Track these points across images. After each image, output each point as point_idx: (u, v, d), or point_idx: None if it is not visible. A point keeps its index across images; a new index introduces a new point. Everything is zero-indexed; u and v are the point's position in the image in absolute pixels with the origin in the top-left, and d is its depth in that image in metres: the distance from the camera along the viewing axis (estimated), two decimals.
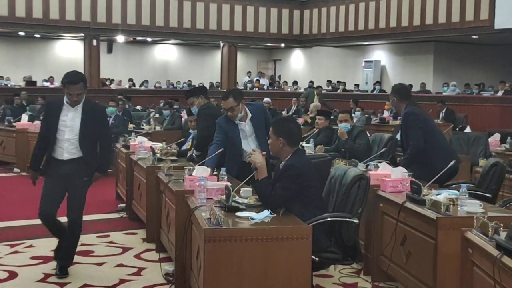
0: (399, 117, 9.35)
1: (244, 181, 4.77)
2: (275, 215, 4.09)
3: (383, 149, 7.35)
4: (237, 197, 4.52)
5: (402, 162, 5.92)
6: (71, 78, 5.15)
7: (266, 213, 4.08)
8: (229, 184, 4.67)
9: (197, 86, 6.73)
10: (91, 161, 5.37)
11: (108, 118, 11.11)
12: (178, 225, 4.96)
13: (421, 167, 5.72)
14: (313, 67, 25.55)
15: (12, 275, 5.37)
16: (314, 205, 4.33)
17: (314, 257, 4.05)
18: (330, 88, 22.97)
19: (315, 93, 17.41)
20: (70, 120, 5.24)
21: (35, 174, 5.53)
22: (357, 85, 22.29)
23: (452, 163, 5.36)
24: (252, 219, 4.00)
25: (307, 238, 3.84)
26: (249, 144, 5.80)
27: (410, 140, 5.97)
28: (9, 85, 20.64)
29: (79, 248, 5.77)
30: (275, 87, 24.87)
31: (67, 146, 5.27)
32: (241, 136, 5.84)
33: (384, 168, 5.66)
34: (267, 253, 3.81)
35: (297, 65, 26.97)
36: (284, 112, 16.43)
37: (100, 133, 5.44)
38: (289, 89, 23.70)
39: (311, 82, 17.75)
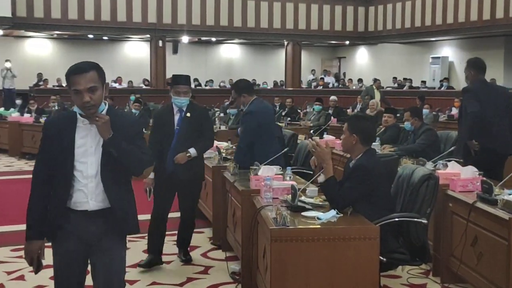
0: None
1: (311, 181, 4.75)
2: (342, 215, 4.06)
3: (452, 148, 7.18)
4: (303, 197, 4.50)
5: (461, 134, 5.88)
6: (78, 65, 3.16)
7: (332, 213, 4.04)
8: (295, 183, 4.65)
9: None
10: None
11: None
12: (244, 225, 4.99)
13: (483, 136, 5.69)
14: (378, 64, 25.23)
15: None
16: (382, 205, 4.27)
17: (381, 258, 4.00)
18: (396, 85, 22.65)
19: (374, 87, 17.07)
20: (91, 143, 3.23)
21: (37, 244, 3.27)
22: (423, 82, 21.90)
23: None
24: (319, 219, 3.98)
25: (375, 238, 3.79)
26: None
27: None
28: None
29: (146, 247, 5.86)
30: (340, 85, 24.69)
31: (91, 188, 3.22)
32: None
33: (453, 167, 5.53)
34: (334, 254, 3.78)
35: (362, 63, 26.68)
36: (349, 110, 16.28)
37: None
38: (354, 87, 23.49)
39: (375, 79, 17.43)
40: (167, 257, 5.96)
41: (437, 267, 5.34)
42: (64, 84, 21.06)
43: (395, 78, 23.04)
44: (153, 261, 5.64)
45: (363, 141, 4.35)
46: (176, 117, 5.65)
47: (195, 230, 6.94)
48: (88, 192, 3.18)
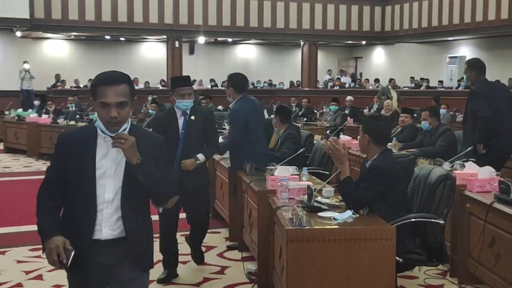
0: None
1: (327, 181, 4.75)
2: (358, 215, 4.04)
3: (469, 148, 7.13)
4: (319, 197, 4.50)
5: (468, 137, 5.96)
6: (109, 75, 2.85)
7: (348, 213, 4.03)
8: (311, 184, 4.65)
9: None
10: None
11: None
12: (261, 225, 4.99)
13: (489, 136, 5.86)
14: (395, 64, 25.12)
15: None
16: (398, 205, 4.25)
17: (398, 258, 3.99)
18: (413, 85, 22.54)
19: (390, 87, 16.96)
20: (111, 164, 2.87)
21: (57, 239, 2.82)
22: (441, 81, 21.78)
23: None
24: (335, 219, 3.97)
25: (391, 239, 3.78)
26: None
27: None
28: None
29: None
30: (356, 85, 24.62)
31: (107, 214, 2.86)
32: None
33: (470, 167, 5.49)
34: (350, 254, 3.77)
35: (379, 63, 26.58)
36: (365, 110, 16.23)
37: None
38: (370, 87, 23.41)
39: (390, 79, 17.33)
40: (183, 257, 5.95)
41: (454, 268, 5.31)
42: (81, 85, 21.30)
43: (412, 78, 22.92)
44: (170, 276, 5.39)
45: (376, 141, 4.34)
46: (181, 121, 5.30)
47: (211, 230, 6.97)
48: (102, 219, 2.83)
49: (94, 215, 2.82)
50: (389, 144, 7.72)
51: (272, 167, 5.44)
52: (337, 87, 23.40)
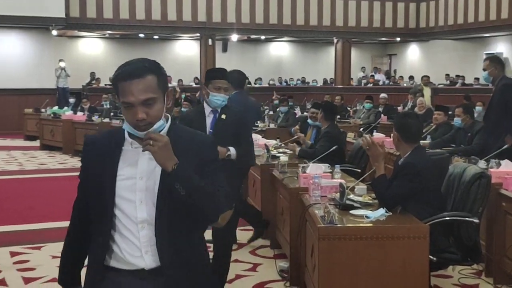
0: None
1: (361, 179, 4.72)
2: (391, 213, 4.00)
3: (506, 146, 7.02)
4: (351, 195, 4.47)
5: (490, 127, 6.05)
6: (129, 66, 2.27)
7: (381, 211, 4.00)
8: (344, 181, 4.62)
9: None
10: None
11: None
12: (293, 223, 4.98)
13: None
14: (430, 61, 24.84)
15: None
16: (432, 204, 4.21)
17: (432, 257, 3.94)
18: (448, 82, 22.26)
19: (422, 84, 16.71)
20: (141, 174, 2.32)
21: None
22: (477, 79, 21.46)
23: None
24: (367, 217, 3.94)
25: (425, 237, 3.73)
26: None
27: None
28: None
29: None
30: (391, 83, 24.41)
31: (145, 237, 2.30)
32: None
33: (506, 165, 5.40)
34: (383, 252, 3.74)
35: (413, 60, 26.32)
36: (400, 108, 16.07)
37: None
38: (405, 84, 23.18)
39: (425, 76, 17.12)
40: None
41: (490, 268, 5.23)
42: None
43: (447, 75, 22.65)
44: None
45: (406, 139, 4.30)
46: (209, 120, 4.70)
47: (244, 227, 6.98)
48: (140, 244, 2.25)
49: (125, 237, 2.27)
50: (423, 142, 7.69)
51: (304, 165, 5.43)
52: (371, 85, 23.23)
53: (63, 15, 18.12)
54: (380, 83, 24.10)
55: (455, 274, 5.24)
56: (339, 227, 3.77)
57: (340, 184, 4.39)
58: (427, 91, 16.11)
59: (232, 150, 4.63)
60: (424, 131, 8.48)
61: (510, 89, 6.43)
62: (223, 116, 4.72)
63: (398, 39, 24.58)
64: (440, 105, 9.48)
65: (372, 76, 24.38)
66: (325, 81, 25.12)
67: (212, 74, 4.83)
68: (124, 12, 19.51)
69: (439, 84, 21.49)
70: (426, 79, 16.81)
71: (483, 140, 7.17)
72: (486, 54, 21.88)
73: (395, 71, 27.28)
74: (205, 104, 4.75)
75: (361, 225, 3.84)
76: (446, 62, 23.72)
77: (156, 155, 2.18)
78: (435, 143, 7.69)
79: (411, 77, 23.59)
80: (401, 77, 24.72)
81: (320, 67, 25.95)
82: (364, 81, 24.56)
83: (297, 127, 7.72)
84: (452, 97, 17.63)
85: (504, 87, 6.43)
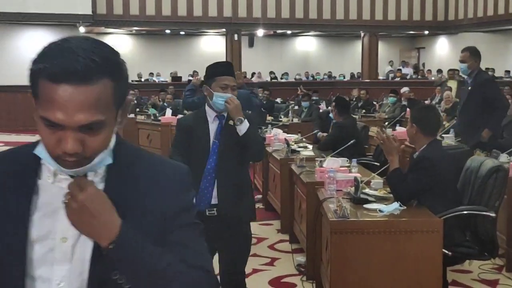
0: None
1: (376, 173, 4.68)
2: (405, 207, 3.96)
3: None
4: (367, 189, 4.43)
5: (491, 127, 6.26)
6: (65, 61, 1.27)
7: (395, 205, 3.95)
8: (359, 175, 4.58)
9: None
10: None
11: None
12: (309, 217, 4.96)
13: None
14: (459, 55, 24.39)
15: None
16: (448, 198, 4.15)
17: (447, 252, 3.89)
18: None
19: (447, 77, 16.47)
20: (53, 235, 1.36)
21: None
22: (507, 71, 21.13)
23: None
24: (381, 211, 3.90)
25: (438, 231, 3.69)
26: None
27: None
28: (157, 81, 21.69)
29: None
30: (419, 76, 24.16)
31: None
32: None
33: None
34: (395, 246, 3.70)
35: (442, 53, 25.99)
36: (426, 102, 15.90)
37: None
38: (432, 78, 22.91)
39: (451, 70, 16.86)
40: None
41: (511, 263, 5.15)
42: (143, 79, 21.66)
43: None
44: None
45: (423, 132, 4.24)
46: (213, 127, 3.73)
47: (263, 222, 6.99)
48: None
49: None
50: (447, 136, 7.59)
51: (322, 159, 5.40)
52: (398, 79, 23.01)
53: (90, 12, 18.30)
54: (408, 77, 23.87)
55: (475, 269, 5.18)
56: (351, 221, 3.74)
57: (355, 178, 4.36)
58: (453, 85, 15.87)
59: (245, 124, 3.64)
60: (447, 125, 8.41)
61: (491, 85, 6.47)
62: (231, 122, 3.69)
63: (426, 32, 24.28)
64: None
65: (399, 70, 24.16)
66: (352, 75, 24.96)
67: (216, 70, 3.76)
68: (150, 8, 19.62)
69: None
70: (451, 73, 16.60)
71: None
72: None
73: (423, 64, 26.99)
74: (207, 108, 3.75)
75: (373, 219, 3.81)
76: None
77: (78, 222, 1.30)
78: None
79: (439, 71, 23.30)
80: (429, 70, 24.44)
81: (347, 61, 25.79)
82: (391, 75, 24.34)
83: (323, 134, 7.81)
84: None
85: (485, 82, 6.42)
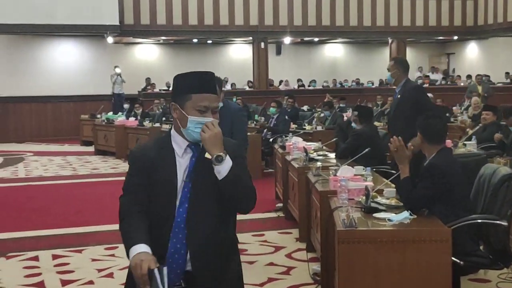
0: None
1: (389, 179, 4.65)
2: (415, 216, 3.92)
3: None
4: (379, 198, 4.41)
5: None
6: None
7: (405, 214, 3.92)
8: (371, 184, 4.56)
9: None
10: None
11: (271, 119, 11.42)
12: (322, 226, 4.95)
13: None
14: (489, 60, 24.19)
15: None
16: (458, 206, 4.10)
17: (458, 261, 3.85)
18: (508, 80, 21.65)
19: (476, 83, 16.28)
20: None
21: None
22: None
23: None
24: (390, 220, 3.88)
25: (446, 241, 3.64)
26: None
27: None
28: None
29: None
30: (448, 82, 23.91)
31: None
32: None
33: None
34: (403, 256, 3.67)
35: (472, 58, 25.68)
36: (455, 108, 15.74)
37: None
38: (462, 84, 22.66)
39: (479, 75, 16.67)
40: (250, 257, 6.01)
41: None
42: (171, 88, 21.79)
43: (507, 73, 22.01)
44: None
45: (428, 140, 4.21)
46: (183, 162, 2.70)
47: (283, 231, 6.99)
48: None
49: None
50: (469, 142, 7.51)
51: (336, 167, 5.38)
52: (426, 85, 22.78)
53: (117, 23, 18.50)
54: (437, 83, 23.63)
55: (493, 278, 5.10)
56: (358, 230, 3.72)
57: (366, 187, 4.34)
58: (479, 88, 15.70)
59: (226, 163, 2.59)
60: (471, 132, 8.31)
61: (419, 90, 6.54)
62: (208, 155, 2.61)
63: (456, 37, 24.03)
64: (489, 105, 9.24)
65: (427, 76, 23.93)
66: (381, 82, 24.79)
67: (192, 83, 2.72)
68: (177, 18, 19.77)
69: (498, 83, 20.91)
70: (479, 78, 16.41)
71: None
72: None
73: (453, 70, 26.70)
74: (174, 134, 2.75)
75: (381, 228, 3.78)
76: (506, 60, 23.03)
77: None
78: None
79: (468, 76, 23.04)
80: (459, 76, 24.18)
81: (375, 68, 25.62)
82: (420, 81, 24.12)
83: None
84: (509, 96, 17.12)
85: (415, 89, 6.44)
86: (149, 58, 23.45)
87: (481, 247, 4.27)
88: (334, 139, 8.04)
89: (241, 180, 2.63)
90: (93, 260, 6.09)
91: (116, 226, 2.81)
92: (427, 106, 6.23)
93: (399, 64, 6.46)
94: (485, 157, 5.77)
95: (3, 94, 18.74)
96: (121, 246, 2.81)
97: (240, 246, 6.16)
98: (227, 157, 2.59)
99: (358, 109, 7.51)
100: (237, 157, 2.67)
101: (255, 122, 12.87)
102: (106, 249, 6.42)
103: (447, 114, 13.30)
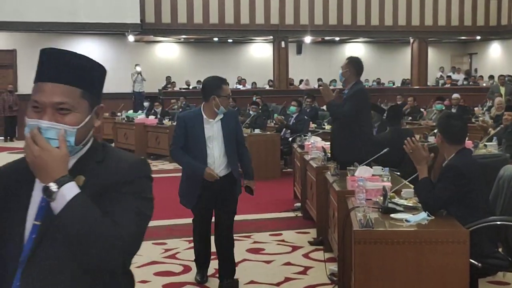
0: None
1: (406, 181, 4.61)
2: (433, 217, 3.88)
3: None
4: (397, 198, 4.37)
5: None
6: None
7: (423, 215, 3.89)
8: (388, 185, 4.52)
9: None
10: None
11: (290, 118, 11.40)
12: (339, 226, 4.92)
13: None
14: None
15: (187, 269, 5.67)
16: (477, 208, 4.05)
17: (476, 263, 3.80)
18: None
19: (499, 84, 16.11)
20: None
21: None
22: None
23: None
24: (407, 221, 3.84)
25: (464, 242, 3.60)
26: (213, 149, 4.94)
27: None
28: None
29: (250, 246, 5.93)
30: (471, 82, 23.68)
31: None
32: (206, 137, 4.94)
33: None
34: (420, 257, 3.63)
35: (495, 58, 25.40)
36: (476, 109, 15.59)
37: None
38: (484, 84, 22.44)
39: (502, 76, 16.47)
40: (267, 257, 6.00)
41: None
42: (191, 87, 21.85)
43: None
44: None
45: (448, 140, 4.16)
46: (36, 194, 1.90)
47: (300, 230, 6.96)
48: None
49: None
50: (489, 143, 7.42)
51: (354, 167, 5.35)
52: (448, 85, 22.61)
53: (138, 21, 18.59)
54: (459, 83, 23.42)
55: None
56: (374, 230, 3.69)
57: (383, 187, 4.30)
58: (503, 91, 15.53)
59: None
60: (493, 132, 8.22)
61: (362, 94, 6.26)
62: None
63: (478, 37, 23.80)
64: (511, 106, 9.13)
65: (449, 76, 23.73)
66: (403, 82, 24.62)
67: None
68: (198, 16, 19.82)
69: None
70: (502, 79, 16.23)
71: None
72: None
73: (475, 70, 26.45)
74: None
75: (397, 229, 3.75)
76: None
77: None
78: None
79: (490, 77, 22.82)
80: (481, 76, 23.95)
81: (396, 68, 25.47)
82: (441, 82, 23.94)
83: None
84: None
85: (357, 92, 6.15)
86: (169, 57, 23.52)
87: (499, 249, 4.22)
88: None
89: (87, 221, 1.66)
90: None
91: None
92: (362, 111, 6.14)
93: (352, 64, 6.23)
94: (506, 158, 5.70)
95: (25, 92, 18.90)
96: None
97: (257, 246, 6.21)
98: (69, 185, 1.70)
99: (388, 111, 7.46)
100: (125, 185, 1.79)
101: (274, 122, 12.86)
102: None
103: (468, 115, 13.16)
